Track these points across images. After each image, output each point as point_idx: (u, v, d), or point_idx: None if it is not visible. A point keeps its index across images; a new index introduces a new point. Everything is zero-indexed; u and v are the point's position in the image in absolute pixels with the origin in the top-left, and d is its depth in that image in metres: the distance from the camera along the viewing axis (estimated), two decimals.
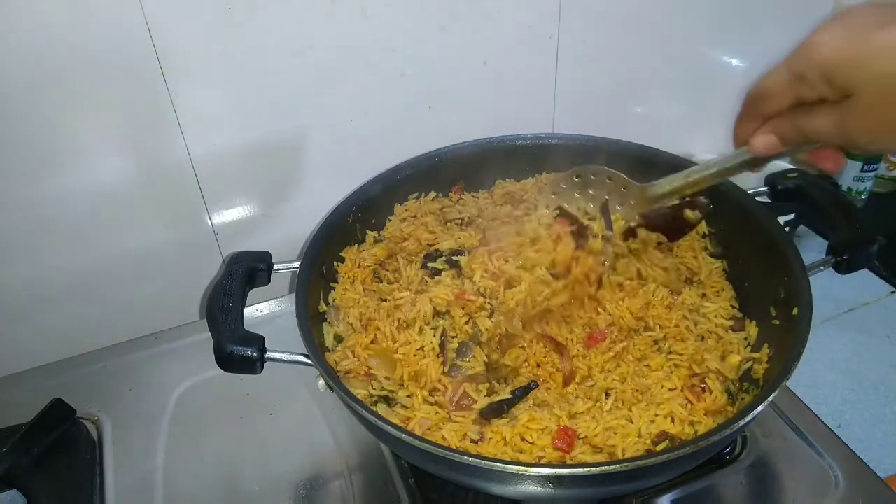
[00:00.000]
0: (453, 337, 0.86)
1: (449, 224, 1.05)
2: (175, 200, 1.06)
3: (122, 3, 0.87)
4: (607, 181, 0.87)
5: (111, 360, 1.09)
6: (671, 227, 0.94)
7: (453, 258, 0.95)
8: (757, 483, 0.85)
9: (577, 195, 0.90)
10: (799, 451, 0.88)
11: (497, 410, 0.79)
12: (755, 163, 0.69)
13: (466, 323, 0.88)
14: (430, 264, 0.96)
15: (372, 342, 0.87)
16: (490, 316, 0.88)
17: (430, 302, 0.88)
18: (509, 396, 0.81)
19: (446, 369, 0.84)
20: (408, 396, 0.82)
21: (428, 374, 0.83)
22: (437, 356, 0.84)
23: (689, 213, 0.91)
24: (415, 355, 0.85)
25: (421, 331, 0.86)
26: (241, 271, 0.84)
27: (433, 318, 0.88)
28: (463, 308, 0.88)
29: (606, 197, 0.88)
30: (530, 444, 0.75)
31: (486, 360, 0.85)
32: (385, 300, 0.93)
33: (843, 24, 0.53)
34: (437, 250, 0.98)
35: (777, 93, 0.60)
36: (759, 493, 0.85)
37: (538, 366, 0.87)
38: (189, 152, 1.02)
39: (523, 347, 0.88)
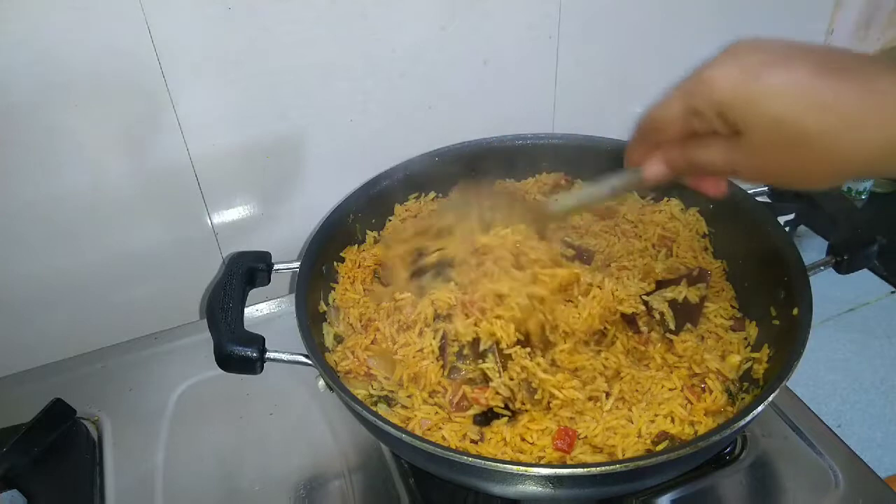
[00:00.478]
0: (453, 340, 0.86)
1: None
2: (175, 200, 1.06)
3: (122, 3, 0.87)
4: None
5: (111, 360, 1.09)
6: None
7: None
8: (757, 483, 0.85)
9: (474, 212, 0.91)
10: (799, 451, 0.88)
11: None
12: (647, 184, 0.68)
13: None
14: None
15: (372, 343, 0.87)
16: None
17: (432, 304, 0.88)
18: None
19: (446, 372, 0.83)
20: (408, 396, 0.82)
21: (427, 376, 0.82)
22: (437, 359, 0.84)
23: None
24: (414, 357, 0.84)
25: (421, 333, 0.86)
26: (241, 271, 0.84)
27: (433, 320, 0.88)
28: (465, 314, 0.88)
29: None
30: (530, 444, 0.75)
31: None
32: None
33: (736, 61, 0.53)
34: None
35: (669, 124, 0.60)
36: (759, 493, 0.85)
37: None
38: (189, 152, 1.02)
39: None
